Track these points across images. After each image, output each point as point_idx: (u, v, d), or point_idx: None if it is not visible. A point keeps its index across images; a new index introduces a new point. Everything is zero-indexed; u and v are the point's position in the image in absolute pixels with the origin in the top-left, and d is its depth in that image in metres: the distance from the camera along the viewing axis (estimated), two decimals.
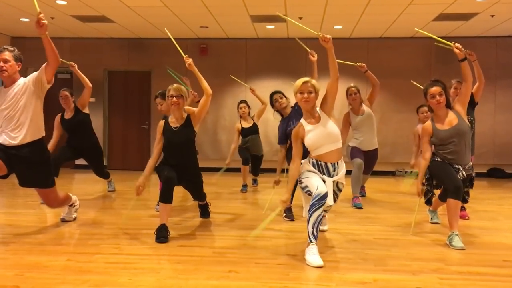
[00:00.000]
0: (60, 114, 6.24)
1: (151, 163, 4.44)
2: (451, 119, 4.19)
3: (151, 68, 10.16)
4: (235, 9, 7.76)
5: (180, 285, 3.01)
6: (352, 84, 6.20)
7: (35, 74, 4.09)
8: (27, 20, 8.66)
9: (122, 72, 10.49)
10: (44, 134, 4.24)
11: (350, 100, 6.13)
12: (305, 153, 3.99)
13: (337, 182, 3.82)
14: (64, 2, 7.49)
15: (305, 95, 3.73)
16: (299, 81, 3.78)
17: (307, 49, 5.28)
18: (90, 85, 6.11)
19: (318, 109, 3.85)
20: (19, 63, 4.14)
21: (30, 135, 4.10)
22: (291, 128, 4.99)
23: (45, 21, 3.79)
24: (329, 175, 3.75)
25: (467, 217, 5.19)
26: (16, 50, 4.14)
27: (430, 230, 4.67)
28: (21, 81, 4.12)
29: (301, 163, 3.90)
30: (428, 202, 4.57)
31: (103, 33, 9.81)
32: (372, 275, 3.24)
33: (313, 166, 3.79)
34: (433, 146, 4.34)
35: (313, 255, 3.44)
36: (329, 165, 3.75)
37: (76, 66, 5.94)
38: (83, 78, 6.01)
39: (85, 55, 10.23)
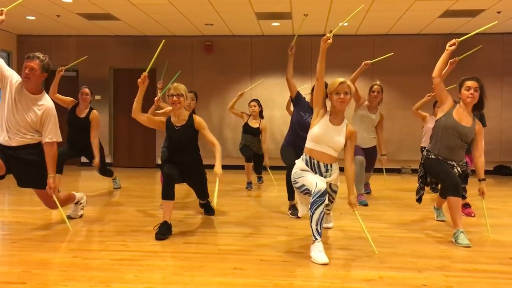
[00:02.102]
0: (75, 104, 6.29)
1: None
2: (469, 120, 4.18)
3: (157, 65, 10.13)
4: (240, 7, 7.75)
5: (186, 282, 3.02)
6: (377, 82, 6.16)
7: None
8: (33, 18, 8.70)
9: (127, 69, 10.51)
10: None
11: (371, 97, 6.10)
12: (298, 155, 3.99)
13: (330, 183, 3.81)
14: (70, 0, 7.51)
15: (342, 95, 3.68)
16: (336, 81, 3.71)
17: (291, 45, 5.21)
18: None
19: (345, 120, 3.83)
20: (45, 73, 4.17)
21: (28, 138, 4.14)
22: (306, 119, 4.96)
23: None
24: (321, 175, 3.75)
25: (472, 214, 5.17)
26: (46, 59, 4.16)
27: (435, 227, 4.66)
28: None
29: (295, 163, 3.91)
30: (419, 200, 4.56)
31: (109, 30, 9.84)
32: (378, 272, 3.24)
33: (306, 163, 3.79)
34: (429, 138, 4.36)
35: (318, 252, 3.44)
36: (322, 164, 3.75)
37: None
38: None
39: (91, 53, 10.21)
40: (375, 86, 6.09)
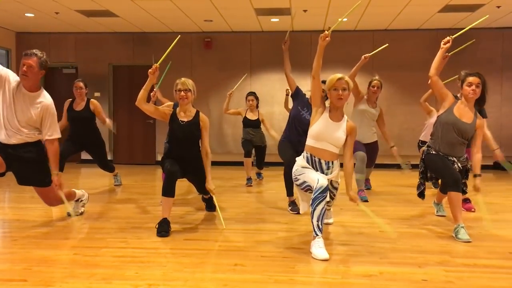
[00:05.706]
0: (70, 101, 6.28)
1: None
2: (470, 116, 4.16)
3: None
4: (239, 3, 7.73)
5: (186, 278, 3.03)
6: (376, 77, 6.15)
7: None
8: (32, 15, 8.67)
9: (127, 66, 10.49)
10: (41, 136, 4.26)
11: (370, 92, 6.09)
12: (295, 149, 3.99)
13: (331, 180, 3.81)
14: None
15: (340, 92, 3.67)
16: (334, 77, 3.70)
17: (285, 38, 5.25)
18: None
19: (345, 116, 3.82)
20: (43, 71, 4.14)
21: (27, 136, 4.12)
22: (303, 114, 4.95)
23: None
24: (322, 172, 3.74)
25: (473, 209, 5.18)
26: (44, 56, 4.13)
27: (435, 222, 4.66)
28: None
29: (295, 160, 3.91)
30: (421, 195, 4.56)
31: (108, 27, 9.81)
32: (378, 267, 3.25)
33: (307, 161, 3.79)
34: (430, 134, 4.35)
35: (319, 248, 3.45)
36: (323, 162, 3.75)
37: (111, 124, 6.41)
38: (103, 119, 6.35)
39: (90, 50, 10.26)
40: (375, 81, 6.09)
